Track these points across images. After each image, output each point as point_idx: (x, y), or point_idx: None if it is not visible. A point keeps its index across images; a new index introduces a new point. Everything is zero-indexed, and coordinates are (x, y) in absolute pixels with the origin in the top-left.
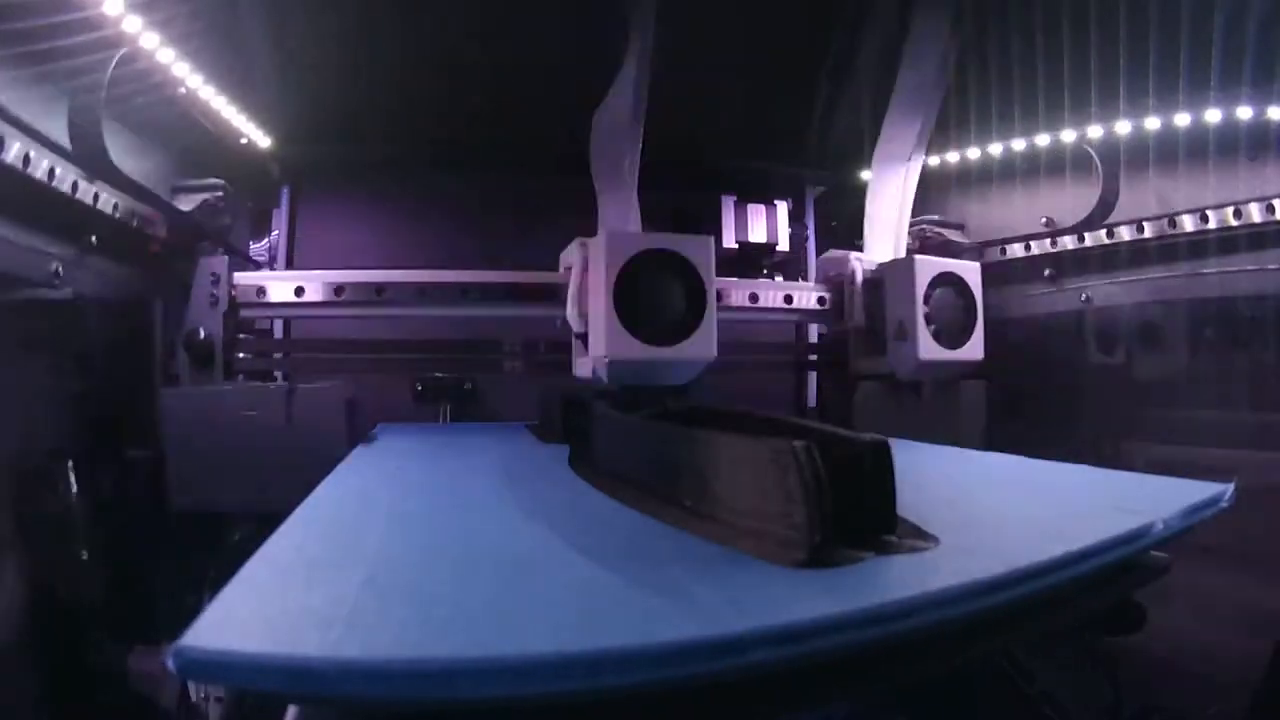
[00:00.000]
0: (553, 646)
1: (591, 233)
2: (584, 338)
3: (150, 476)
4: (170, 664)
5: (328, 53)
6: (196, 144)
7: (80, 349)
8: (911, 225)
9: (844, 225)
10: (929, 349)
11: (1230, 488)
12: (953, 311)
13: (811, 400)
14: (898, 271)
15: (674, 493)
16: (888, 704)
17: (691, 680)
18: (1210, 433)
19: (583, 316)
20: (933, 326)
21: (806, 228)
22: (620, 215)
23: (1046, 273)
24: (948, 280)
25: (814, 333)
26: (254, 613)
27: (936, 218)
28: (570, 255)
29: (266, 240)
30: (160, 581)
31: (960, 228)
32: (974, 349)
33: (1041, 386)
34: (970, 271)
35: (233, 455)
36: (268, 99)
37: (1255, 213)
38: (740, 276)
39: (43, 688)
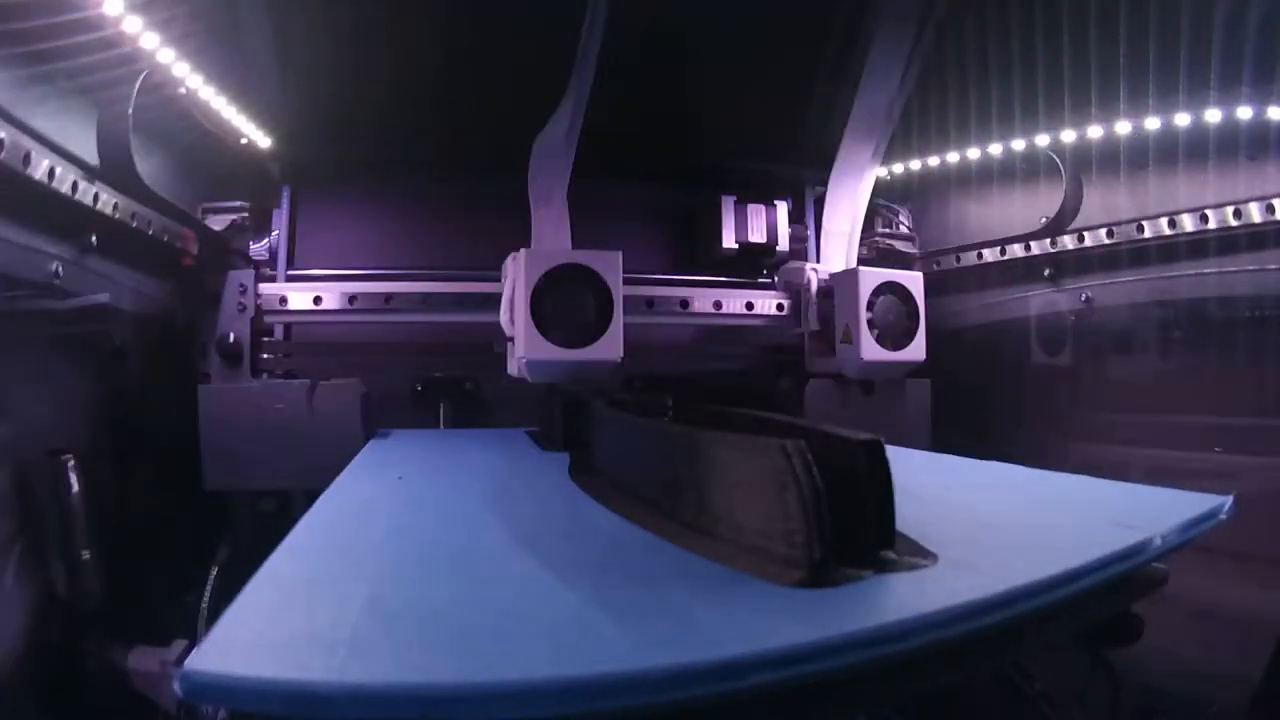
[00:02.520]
0: (555, 670)
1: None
2: (513, 340)
3: (182, 465)
4: (177, 688)
5: (327, 53)
6: (197, 144)
7: (119, 351)
8: (865, 239)
9: None
10: (871, 350)
11: (1229, 500)
12: (896, 317)
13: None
14: (845, 281)
15: (674, 507)
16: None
17: (692, 702)
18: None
19: (514, 322)
20: (875, 331)
21: (806, 228)
22: (552, 232)
23: (1046, 273)
24: (891, 289)
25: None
26: (258, 635)
27: (889, 229)
28: (508, 266)
29: (266, 240)
30: (160, 581)
31: (911, 239)
32: (916, 350)
33: (987, 386)
34: (913, 281)
35: (261, 442)
36: (268, 99)
37: (1255, 213)
38: (740, 277)
39: (44, 687)
